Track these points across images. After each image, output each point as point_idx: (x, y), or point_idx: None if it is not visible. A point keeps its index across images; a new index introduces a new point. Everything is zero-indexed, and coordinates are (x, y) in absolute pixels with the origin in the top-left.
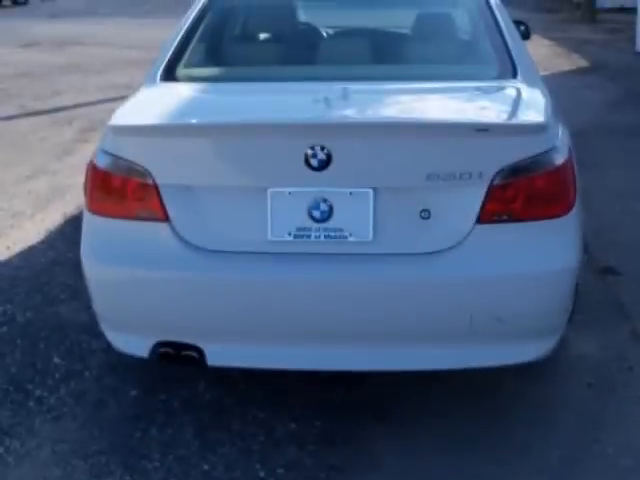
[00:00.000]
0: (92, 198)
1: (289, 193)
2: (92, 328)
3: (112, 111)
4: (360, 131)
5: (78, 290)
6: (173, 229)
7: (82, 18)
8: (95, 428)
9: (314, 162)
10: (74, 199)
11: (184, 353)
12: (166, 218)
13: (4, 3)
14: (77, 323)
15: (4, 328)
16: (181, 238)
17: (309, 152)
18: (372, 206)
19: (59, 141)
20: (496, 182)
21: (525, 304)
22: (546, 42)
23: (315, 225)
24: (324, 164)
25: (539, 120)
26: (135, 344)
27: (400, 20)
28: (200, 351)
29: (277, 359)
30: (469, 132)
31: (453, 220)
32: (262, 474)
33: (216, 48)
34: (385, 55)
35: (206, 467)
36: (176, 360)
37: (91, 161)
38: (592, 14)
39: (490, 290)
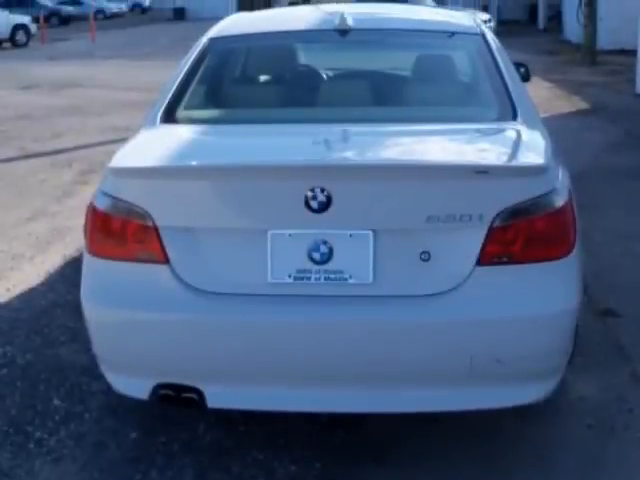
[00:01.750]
0: (92, 240)
1: (289, 235)
2: (92, 370)
3: (112, 153)
4: (360, 173)
5: (78, 332)
6: (173, 271)
7: (81, 60)
8: (95, 470)
9: (314, 204)
10: (74, 241)
11: (184, 395)
12: (166, 260)
13: (4, 45)
14: (77, 365)
15: (4, 370)
16: (181, 280)
17: (309, 194)
18: (372, 248)
19: (59, 183)
20: (496, 224)
21: (525, 346)
22: (546, 84)
23: (315, 267)
24: (324, 206)
25: (539, 162)
26: (135, 386)
27: (400, 62)
28: (200, 393)
29: (277, 401)
30: (469, 174)
31: (453, 262)
32: None
33: (216, 90)
34: (385, 97)
35: None
36: (176, 402)
37: (91, 203)
38: (592, 56)
39: (490, 332)
